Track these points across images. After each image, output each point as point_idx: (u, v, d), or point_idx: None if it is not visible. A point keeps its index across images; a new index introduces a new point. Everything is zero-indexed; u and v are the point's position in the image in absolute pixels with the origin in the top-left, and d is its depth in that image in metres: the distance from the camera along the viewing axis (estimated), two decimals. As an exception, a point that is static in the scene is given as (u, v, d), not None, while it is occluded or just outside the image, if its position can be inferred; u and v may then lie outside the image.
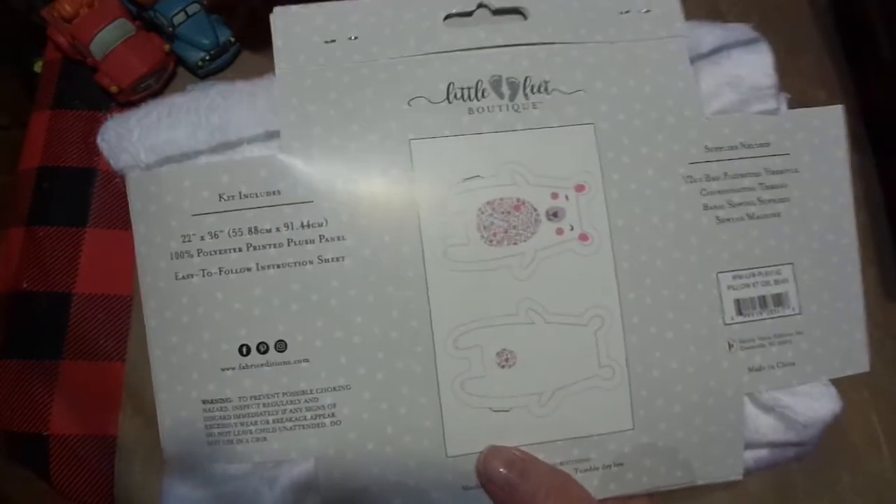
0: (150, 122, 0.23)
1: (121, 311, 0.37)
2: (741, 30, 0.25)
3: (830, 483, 0.37)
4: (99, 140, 0.23)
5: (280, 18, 0.24)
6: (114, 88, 0.38)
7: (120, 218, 0.38)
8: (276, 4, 0.41)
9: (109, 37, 0.38)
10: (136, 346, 0.36)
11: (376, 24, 0.23)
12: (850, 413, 0.39)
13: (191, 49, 0.40)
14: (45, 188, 0.39)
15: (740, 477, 0.24)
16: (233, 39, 0.41)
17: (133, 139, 0.22)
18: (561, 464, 0.23)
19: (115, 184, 0.39)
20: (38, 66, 0.45)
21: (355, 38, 0.23)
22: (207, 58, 0.40)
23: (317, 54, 0.23)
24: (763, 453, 0.24)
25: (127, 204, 0.38)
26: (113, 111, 0.40)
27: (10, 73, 0.80)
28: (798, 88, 0.46)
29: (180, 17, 0.39)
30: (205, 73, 0.41)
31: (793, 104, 0.44)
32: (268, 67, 0.41)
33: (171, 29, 0.39)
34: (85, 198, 0.39)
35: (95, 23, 0.38)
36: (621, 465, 0.23)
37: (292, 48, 0.23)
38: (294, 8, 0.23)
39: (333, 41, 0.23)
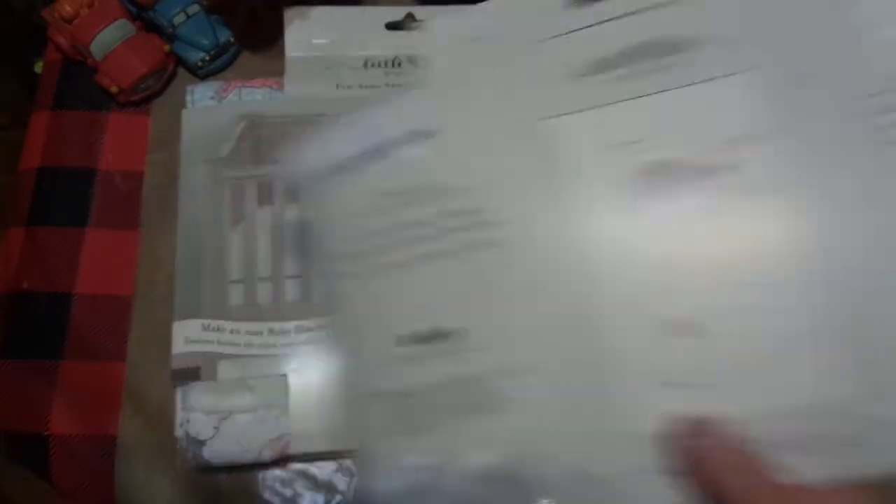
0: (325, 141, 0.25)
1: (121, 311, 0.37)
2: None
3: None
4: (276, 161, 0.26)
5: (434, 21, 0.24)
6: (114, 89, 0.39)
7: (120, 218, 0.39)
8: (276, 4, 0.41)
9: (109, 37, 0.38)
10: (136, 346, 0.36)
11: (502, 23, 0.23)
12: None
13: (191, 49, 0.40)
14: (45, 188, 0.39)
15: None
16: (233, 39, 0.41)
17: (309, 156, 0.25)
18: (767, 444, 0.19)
19: (115, 184, 0.39)
20: (38, 67, 0.45)
21: (488, 35, 0.23)
22: (207, 58, 0.40)
23: (461, 53, 0.23)
24: None
25: (127, 204, 0.39)
26: (114, 111, 0.41)
27: (10, 73, 0.80)
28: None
29: (180, 18, 0.39)
30: (205, 73, 0.41)
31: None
32: (267, 68, 0.42)
33: (171, 29, 0.39)
34: (85, 198, 0.39)
35: (95, 23, 0.38)
36: (848, 444, 0.19)
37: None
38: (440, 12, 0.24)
39: (479, 38, 0.23)
